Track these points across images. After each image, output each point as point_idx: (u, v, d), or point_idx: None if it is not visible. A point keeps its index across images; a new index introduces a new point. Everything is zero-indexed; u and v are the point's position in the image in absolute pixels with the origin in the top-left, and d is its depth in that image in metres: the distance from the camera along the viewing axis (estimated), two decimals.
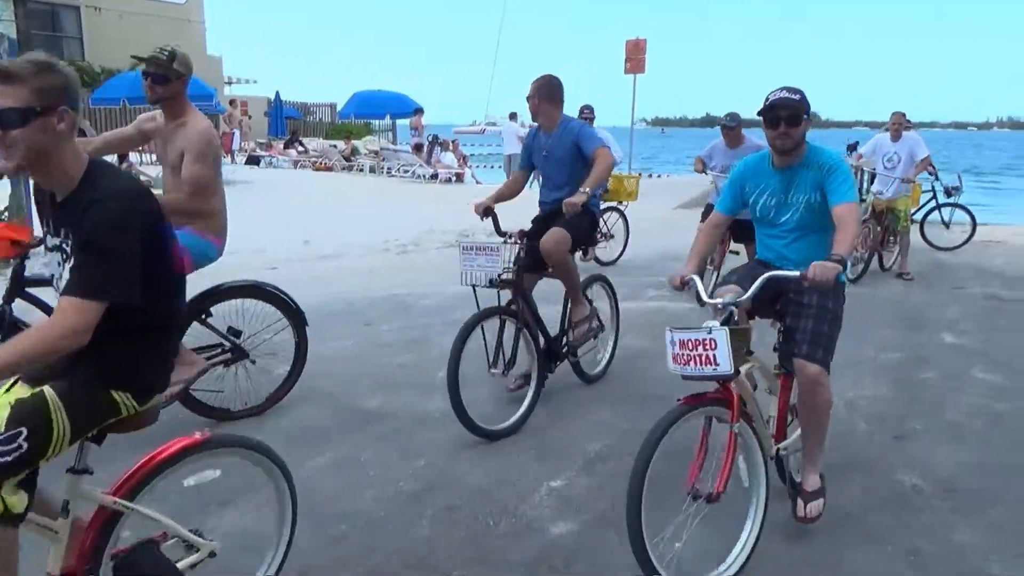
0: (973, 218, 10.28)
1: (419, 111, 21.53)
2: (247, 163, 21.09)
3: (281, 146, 24.11)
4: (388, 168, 19.87)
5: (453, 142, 22.03)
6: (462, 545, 3.04)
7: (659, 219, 12.47)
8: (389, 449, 3.92)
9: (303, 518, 3.19)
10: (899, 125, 8.28)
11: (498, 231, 4.51)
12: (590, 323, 4.80)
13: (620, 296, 5.38)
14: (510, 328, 4.32)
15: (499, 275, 4.19)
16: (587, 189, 4.36)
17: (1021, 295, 7.67)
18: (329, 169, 21.42)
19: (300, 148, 24.41)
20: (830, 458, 3.85)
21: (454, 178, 18.24)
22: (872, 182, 8.76)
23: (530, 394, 4.36)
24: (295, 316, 4.43)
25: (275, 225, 10.82)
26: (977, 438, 4.15)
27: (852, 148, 31.59)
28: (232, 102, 26.87)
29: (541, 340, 4.49)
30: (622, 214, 9.68)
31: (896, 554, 3.02)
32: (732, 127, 6.86)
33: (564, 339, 4.73)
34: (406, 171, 19.04)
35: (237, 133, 23.31)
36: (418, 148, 19.44)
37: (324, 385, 4.81)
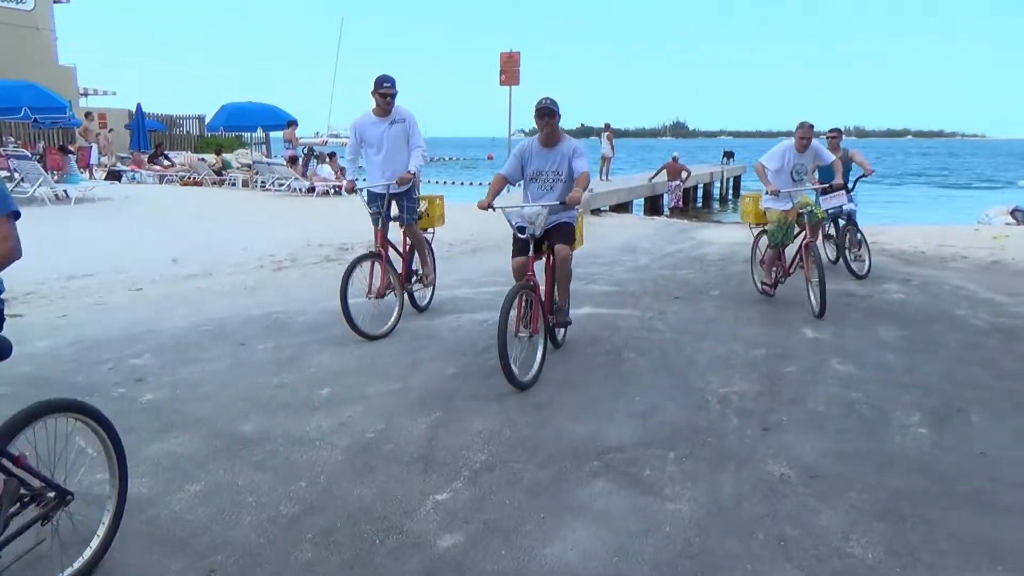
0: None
1: (292, 123, 20.97)
2: (107, 178, 19.86)
3: (145, 160, 22.87)
4: (262, 182, 19.24)
5: (331, 155, 21.59)
6: (344, 567, 2.96)
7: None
8: (266, 473, 3.77)
9: (176, 552, 3.03)
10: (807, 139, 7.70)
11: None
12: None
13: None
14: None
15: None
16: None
17: (871, 291, 8.29)
18: (199, 184, 20.52)
19: (166, 162, 23.27)
20: (703, 452, 4.03)
21: (332, 191, 17.86)
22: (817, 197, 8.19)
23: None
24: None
25: (139, 243, 10.24)
26: (835, 426, 4.43)
27: (729, 156, 33.05)
28: (88, 114, 25.28)
29: None
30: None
31: (767, 541, 3.17)
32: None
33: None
34: (281, 184, 18.50)
35: (95, 147, 21.93)
36: (293, 160, 18.92)
37: (196, 410, 4.58)
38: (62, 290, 7.80)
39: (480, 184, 30.81)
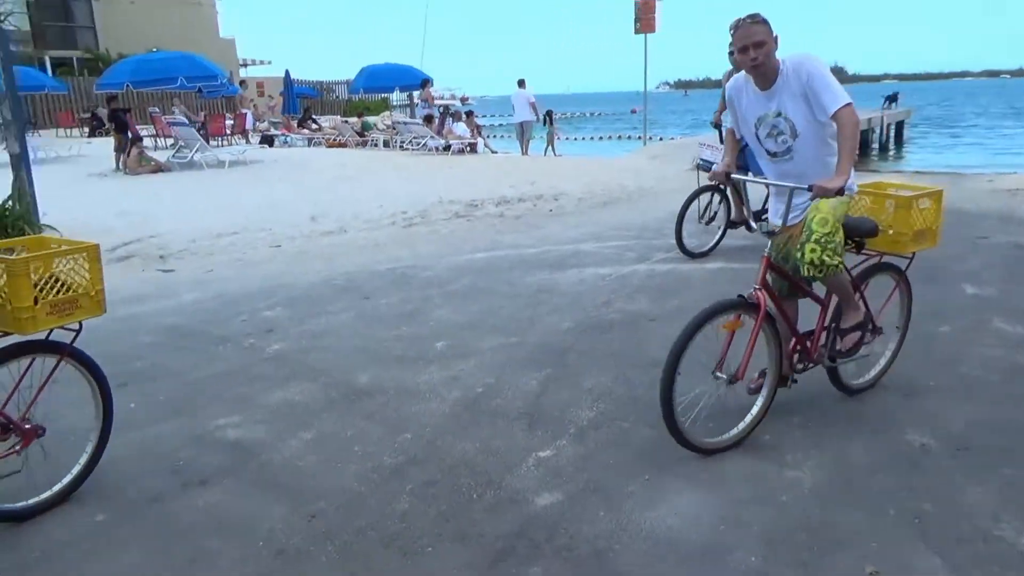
0: None
1: (427, 82, 21.27)
2: (261, 143, 21.03)
3: (295, 124, 24.01)
4: (401, 142, 19.70)
5: (468, 113, 21.77)
6: (439, 520, 2.92)
7: (670, 181, 12.18)
8: (376, 423, 3.81)
9: (282, 497, 3.12)
10: None
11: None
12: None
13: (629, 259, 5.22)
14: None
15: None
16: None
17: None
18: (343, 146, 21.29)
19: (314, 125, 24.32)
20: (835, 417, 3.69)
21: (467, 148, 18.01)
22: None
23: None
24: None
25: (282, 203, 10.74)
26: (992, 393, 3.93)
27: (892, 100, 30.38)
28: (243, 83, 26.82)
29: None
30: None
31: (899, 517, 2.85)
32: None
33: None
34: (418, 144, 18.86)
35: (250, 113, 23.24)
36: (429, 120, 19.21)
37: (317, 361, 4.72)
38: (210, 247, 8.31)
39: (620, 137, 30.17)
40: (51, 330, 2.95)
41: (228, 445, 3.62)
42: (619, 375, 4.32)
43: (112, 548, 2.81)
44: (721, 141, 7.18)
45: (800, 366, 3.68)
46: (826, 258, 3.31)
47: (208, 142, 16.38)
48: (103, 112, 22.61)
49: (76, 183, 12.99)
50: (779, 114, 3.42)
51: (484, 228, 9.08)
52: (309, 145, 21.64)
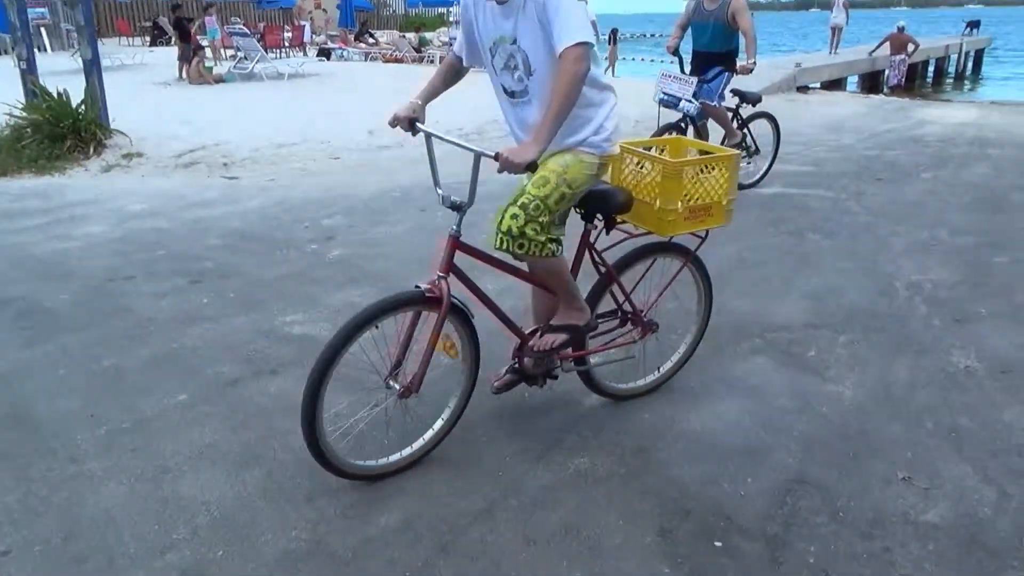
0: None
1: None
2: (318, 55, 21.03)
3: (351, 38, 23.90)
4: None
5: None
6: (491, 415, 3.11)
7: None
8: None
9: (345, 388, 3.33)
10: None
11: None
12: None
13: None
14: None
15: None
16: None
17: None
18: (399, 61, 21.17)
19: (371, 40, 24.17)
20: (881, 340, 3.75)
21: None
22: None
23: None
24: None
25: (341, 115, 10.85)
26: None
27: (973, 26, 28.55)
28: None
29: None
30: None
31: (936, 431, 2.94)
32: None
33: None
34: None
35: (307, 26, 23.17)
36: None
37: (375, 267, 4.91)
38: (273, 156, 8.52)
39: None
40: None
41: (295, 339, 3.85)
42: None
43: (194, 423, 3.07)
44: (682, 70, 6.68)
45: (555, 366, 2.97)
46: (529, 231, 2.57)
47: (266, 53, 16.45)
48: (164, 21, 22.81)
49: (141, 91, 13.26)
50: (514, 41, 2.55)
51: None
52: (365, 60, 21.57)
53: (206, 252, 5.24)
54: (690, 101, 6.34)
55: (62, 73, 11.04)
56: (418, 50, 21.70)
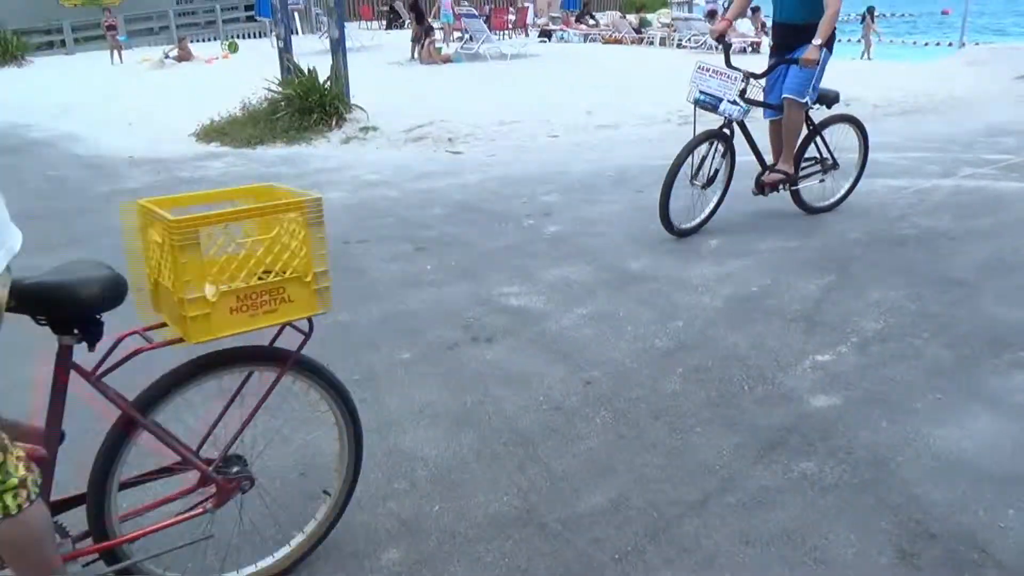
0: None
1: None
2: (539, 36, 21.39)
3: (573, 20, 24.05)
4: (679, 40, 18.99)
5: (754, 9, 20.30)
6: (708, 404, 2.97)
7: (989, 91, 10.60)
8: (646, 308, 3.90)
9: (559, 361, 3.34)
10: None
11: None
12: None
13: (931, 173, 4.74)
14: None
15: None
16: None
17: None
18: (619, 42, 21.01)
19: (591, 21, 24.18)
20: None
21: (749, 48, 16.93)
22: None
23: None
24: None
25: (560, 96, 10.94)
26: None
27: None
28: None
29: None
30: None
31: None
32: None
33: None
34: (698, 41, 18.05)
35: (531, 7, 23.61)
36: (712, 15, 18.24)
37: (590, 244, 4.89)
38: (493, 133, 8.77)
39: (927, 44, 26.58)
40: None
41: (511, 310, 3.92)
42: (911, 291, 3.98)
43: (414, 382, 3.21)
44: (727, 63, 4.84)
45: None
46: None
47: (491, 35, 16.98)
48: (399, 5, 24.27)
49: (376, 70, 14.19)
50: None
51: (763, 132, 8.60)
52: (585, 41, 21.62)
53: (430, 221, 5.49)
54: (734, 102, 4.74)
55: (309, 54, 12.07)
56: (638, 31, 21.39)
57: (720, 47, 5.27)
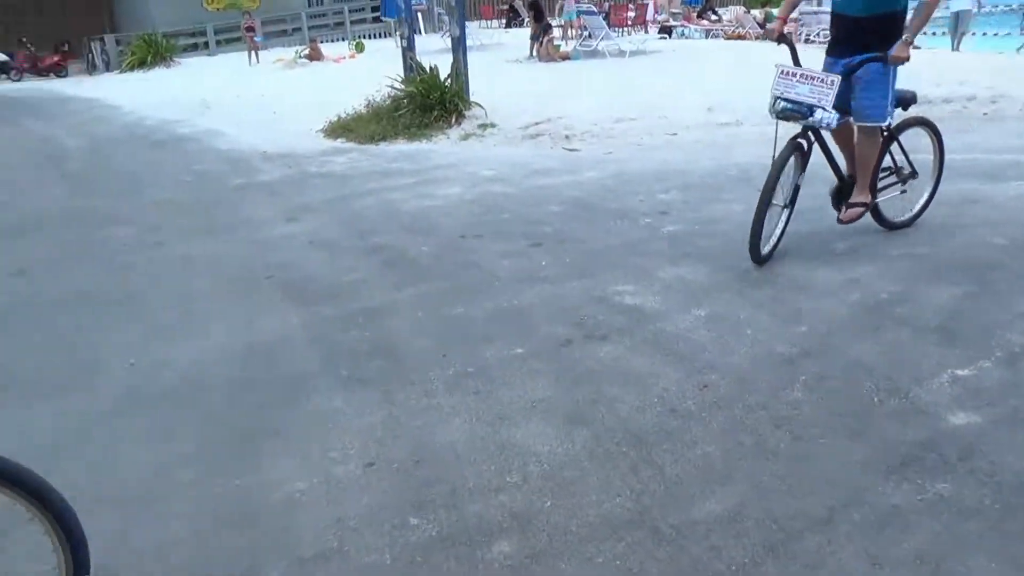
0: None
1: None
2: (660, 33, 21.04)
3: (694, 16, 23.52)
4: (807, 34, 18.21)
5: None
6: (833, 415, 2.83)
7: None
8: (766, 312, 3.76)
9: (675, 363, 3.27)
10: None
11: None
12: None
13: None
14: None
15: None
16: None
17: None
18: (742, 38, 20.35)
19: (713, 17, 23.57)
20: None
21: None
22: None
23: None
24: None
25: (679, 92, 10.71)
26: None
27: None
28: None
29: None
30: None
31: None
32: None
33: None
34: (826, 36, 17.24)
35: (651, 4, 23.25)
36: None
37: (708, 245, 4.77)
38: (610, 130, 8.69)
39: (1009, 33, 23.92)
40: None
41: (626, 308, 3.87)
42: None
43: (529, 377, 3.22)
44: (796, 63, 4.36)
45: None
46: None
47: (611, 32, 16.83)
48: (519, 4, 24.43)
49: (496, 68, 14.34)
50: None
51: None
52: (706, 37, 21.10)
53: (546, 217, 5.50)
54: (827, 111, 4.10)
55: (431, 52, 12.33)
56: (763, 26, 20.66)
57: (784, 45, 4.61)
